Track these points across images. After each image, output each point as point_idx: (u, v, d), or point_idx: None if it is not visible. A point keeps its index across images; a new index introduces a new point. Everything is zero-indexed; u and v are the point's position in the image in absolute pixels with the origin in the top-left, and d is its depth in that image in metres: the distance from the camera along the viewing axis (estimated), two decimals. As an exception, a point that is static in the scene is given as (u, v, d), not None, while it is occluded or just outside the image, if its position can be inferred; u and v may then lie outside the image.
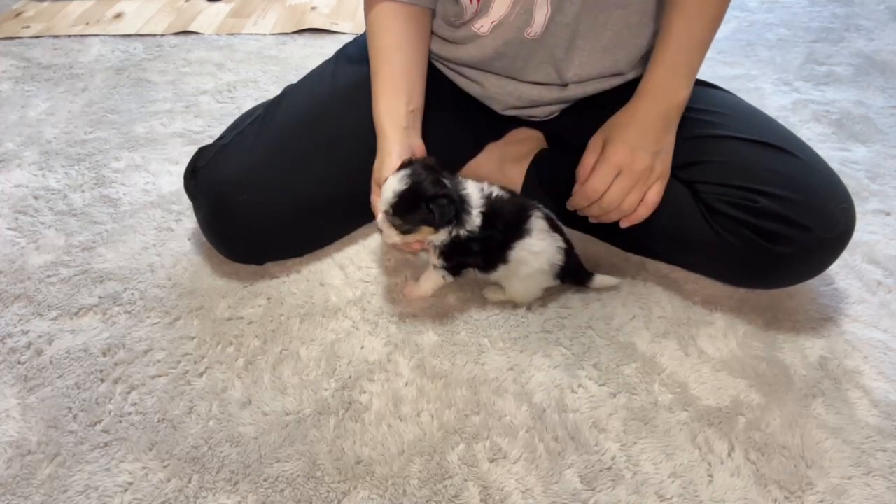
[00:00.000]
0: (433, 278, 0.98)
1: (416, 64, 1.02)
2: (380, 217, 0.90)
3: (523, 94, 1.04)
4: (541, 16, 0.96)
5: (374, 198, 0.98)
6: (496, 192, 0.93)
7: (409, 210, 0.87)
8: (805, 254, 0.91)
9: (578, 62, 1.00)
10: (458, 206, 0.88)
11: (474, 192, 0.91)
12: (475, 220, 0.89)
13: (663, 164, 0.94)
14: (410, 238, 0.91)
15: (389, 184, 0.88)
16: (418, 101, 1.01)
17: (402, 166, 0.89)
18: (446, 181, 0.89)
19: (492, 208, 0.91)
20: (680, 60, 0.92)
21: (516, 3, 0.95)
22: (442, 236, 0.91)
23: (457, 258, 0.94)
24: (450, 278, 0.97)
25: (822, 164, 0.94)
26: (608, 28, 0.97)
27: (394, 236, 0.90)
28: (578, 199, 0.97)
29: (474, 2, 0.97)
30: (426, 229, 0.89)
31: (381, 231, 0.91)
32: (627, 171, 0.92)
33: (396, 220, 0.88)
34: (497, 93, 1.06)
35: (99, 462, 0.82)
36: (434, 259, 0.95)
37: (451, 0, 0.99)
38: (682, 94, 0.93)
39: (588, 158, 0.96)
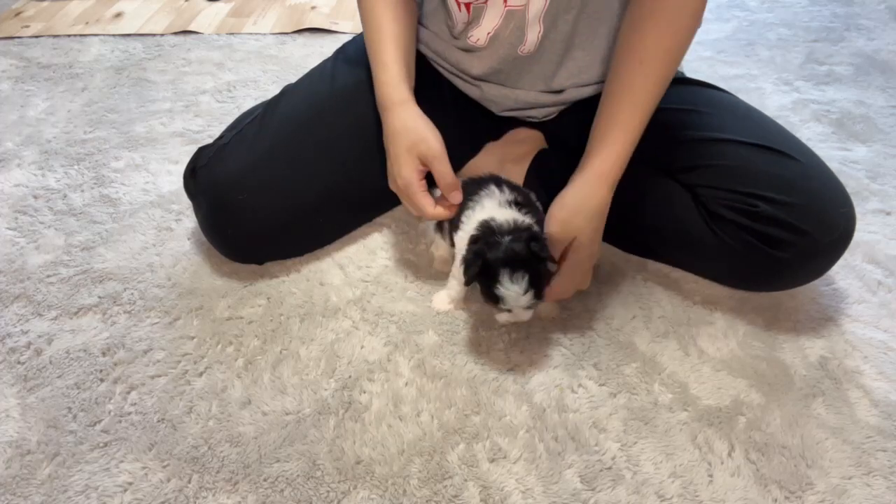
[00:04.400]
0: (457, 288, 0.98)
1: (411, 40, 0.99)
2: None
3: (520, 97, 1.05)
4: (533, 34, 0.96)
5: (419, 201, 0.91)
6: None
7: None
8: (804, 258, 0.91)
9: (573, 73, 1.00)
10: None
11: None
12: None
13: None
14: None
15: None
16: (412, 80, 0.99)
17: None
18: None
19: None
20: (640, 130, 0.86)
21: (509, 19, 0.95)
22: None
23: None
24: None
25: (822, 168, 0.94)
26: (605, 39, 0.97)
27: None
28: (556, 294, 0.89)
29: (463, 10, 0.97)
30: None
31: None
32: (588, 267, 0.90)
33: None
34: (494, 96, 1.06)
35: (99, 462, 0.82)
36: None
37: (445, 9, 0.99)
38: (626, 160, 0.87)
39: (558, 247, 0.86)
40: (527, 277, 0.82)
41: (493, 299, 0.84)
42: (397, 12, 0.98)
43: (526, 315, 0.87)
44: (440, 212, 0.91)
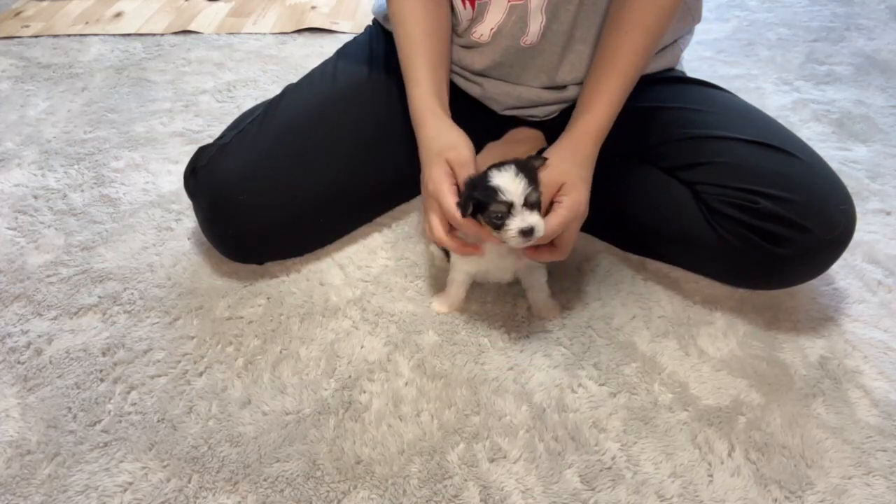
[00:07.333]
0: (457, 289, 0.99)
1: (444, 53, 1.00)
2: (517, 220, 0.81)
3: (522, 95, 1.05)
4: (535, 24, 0.96)
5: (447, 202, 0.86)
6: None
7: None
8: (805, 255, 0.91)
9: (575, 66, 1.00)
10: None
11: None
12: None
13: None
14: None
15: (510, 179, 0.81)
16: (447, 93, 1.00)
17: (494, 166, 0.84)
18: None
19: None
20: (623, 98, 0.91)
21: (511, 11, 0.95)
22: None
23: None
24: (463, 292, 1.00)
25: (823, 165, 0.94)
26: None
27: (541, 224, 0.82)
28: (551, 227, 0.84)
29: (468, 7, 0.97)
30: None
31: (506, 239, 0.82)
32: (581, 217, 0.88)
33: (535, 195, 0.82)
34: (496, 93, 1.06)
35: (99, 462, 0.82)
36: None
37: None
38: (610, 126, 0.92)
39: (547, 197, 0.85)
40: (513, 166, 0.81)
41: (495, 218, 0.81)
42: (429, 25, 0.98)
43: (537, 224, 0.80)
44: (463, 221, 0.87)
